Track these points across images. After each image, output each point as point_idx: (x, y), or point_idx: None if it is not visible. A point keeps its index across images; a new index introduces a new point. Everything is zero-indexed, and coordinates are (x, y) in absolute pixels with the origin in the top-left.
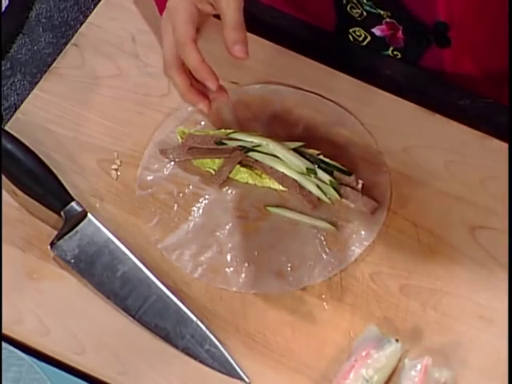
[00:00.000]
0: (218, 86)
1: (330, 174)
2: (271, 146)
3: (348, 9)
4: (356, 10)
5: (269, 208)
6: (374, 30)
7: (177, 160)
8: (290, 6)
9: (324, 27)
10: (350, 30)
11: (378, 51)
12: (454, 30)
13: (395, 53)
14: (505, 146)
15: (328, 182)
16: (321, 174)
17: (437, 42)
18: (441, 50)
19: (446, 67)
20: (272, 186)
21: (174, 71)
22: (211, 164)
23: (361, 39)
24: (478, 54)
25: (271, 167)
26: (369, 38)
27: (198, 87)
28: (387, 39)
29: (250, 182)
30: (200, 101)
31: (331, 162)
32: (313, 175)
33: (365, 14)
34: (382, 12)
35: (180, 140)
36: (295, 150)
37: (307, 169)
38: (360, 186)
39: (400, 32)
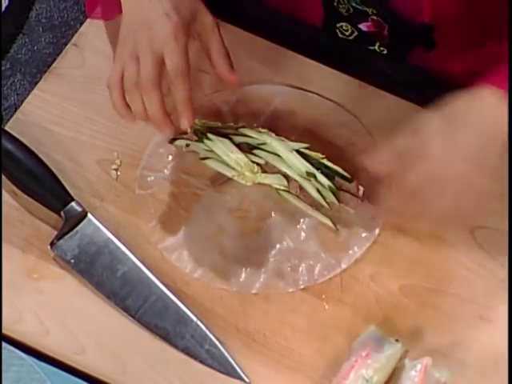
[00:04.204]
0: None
1: (332, 179)
2: (274, 144)
3: (335, 4)
4: (343, 6)
5: (280, 192)
6: (360, 26)
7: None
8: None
9: (312, 22)
10: (337, 25)
11: (364, 46)
12: (439, 33)
13: (381, 48)
14: None
15: (327, 188)
16: (321, 178)
17: (422, 44)
18: (426, 51)
19: (433, 67)
20: (272, 185)
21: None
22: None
23: (348, 33)
24: (463, 57)
25: (274, 166)
26: (356, 33)
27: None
28: (374, 35)
29: None
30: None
31: (333, 166)
32: (313, 179)
33: (351, 10)
34: (367, 9)
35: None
36: (299, 151)
37: (307, 172)
38: (361, 192)
39: (386, 30)
